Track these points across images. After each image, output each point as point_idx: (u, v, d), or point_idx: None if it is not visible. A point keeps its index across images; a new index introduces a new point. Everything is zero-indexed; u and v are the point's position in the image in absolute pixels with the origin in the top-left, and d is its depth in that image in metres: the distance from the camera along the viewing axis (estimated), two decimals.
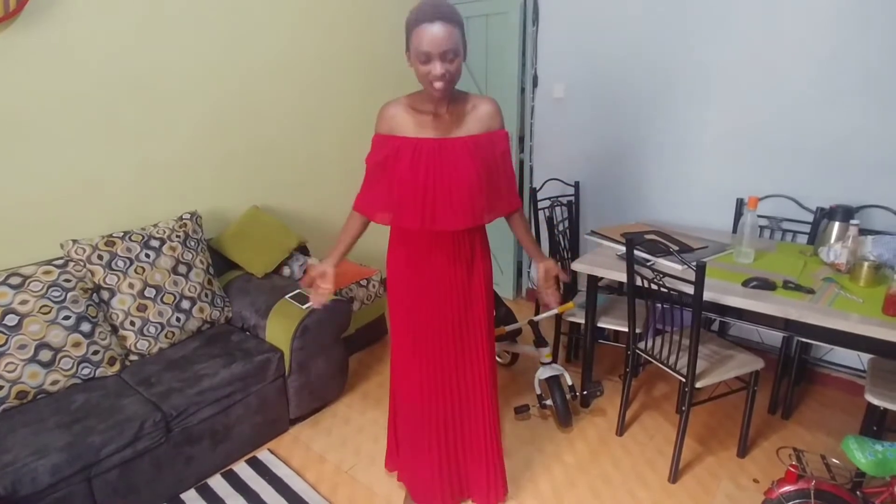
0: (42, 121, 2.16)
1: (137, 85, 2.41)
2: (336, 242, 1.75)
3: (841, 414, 2.48)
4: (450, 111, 1.57)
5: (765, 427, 2.39)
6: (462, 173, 1.54)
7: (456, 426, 1.84)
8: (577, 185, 3.06)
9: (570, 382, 2.43)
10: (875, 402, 1.81)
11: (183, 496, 2.02)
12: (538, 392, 2.45)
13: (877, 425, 1.91)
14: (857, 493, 1.53)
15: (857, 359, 2.56)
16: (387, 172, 1.59)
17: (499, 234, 3.69)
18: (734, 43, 2.57)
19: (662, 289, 1.94)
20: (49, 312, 1.98)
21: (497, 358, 2.93)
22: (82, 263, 2.16)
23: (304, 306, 2.34)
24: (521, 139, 3.49)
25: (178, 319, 2.31)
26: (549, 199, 2.87)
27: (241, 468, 2.17)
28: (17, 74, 2.08)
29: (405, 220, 1.60)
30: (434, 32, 1.38)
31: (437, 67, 1.42)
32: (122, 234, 2.29)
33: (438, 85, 1.44)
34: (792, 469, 1.55)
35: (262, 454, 2.25)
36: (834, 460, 1.59)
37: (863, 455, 1.44)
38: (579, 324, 2.59)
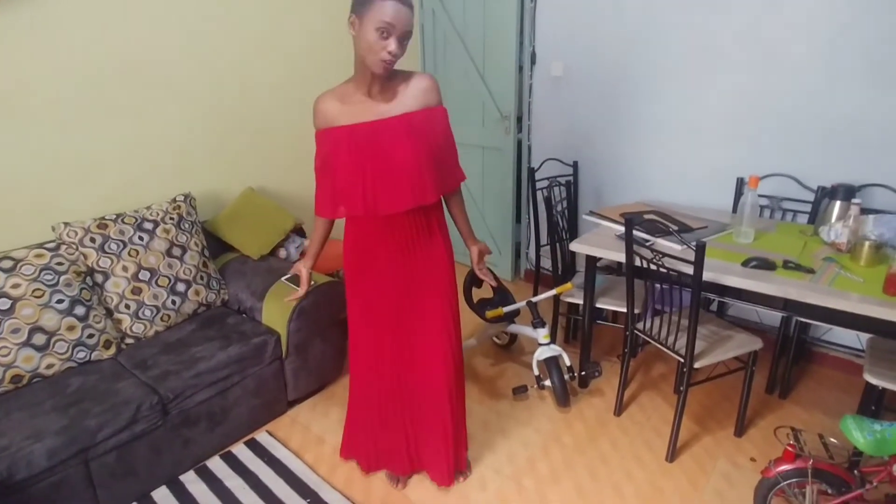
0: (31, 102, 2.12)
1: (129, 65, 2.36)
2: (308, 245, 1.83)
3: (839, 393, 2.48)
4: (383, 90, 1.53)
5: (762, 407, 2.39)
6: (399, 154, 1.51)
7: (415, 407, 1.86)
8: (575, 165, 3.03)
9: (568, 363, 2.42)
10: (874, 381, 1.81)
11: (182, 478, 2.02)
12: (536, 373, 2.44)
13: (875, 405, 1.91)
14: (855, 472, 1.53)
15: (856, 338, 2.56)
16: (332, 166, 1.57)
17: (498, 215, 3.66)
18: (735, 20, 2.52)
19: (661, 269, 1.92)
20: (42, 296, 1.96)
21: (495, 339, 2.93)
22: (75, 246, 2.13)
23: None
24: (520, 119, 3.44)
25: (173, 302, 2.29)
26: (548, 179, 2.84)
27: (240, 450, 2.17)
28: (5, 55, 2.03)
29: (350, 207, 1.58)
30: (401, 10, 1.36)
31: (392, 44, 1.39)
32: (115, 216, 2.26)
33: (387, 60, 1.41)
34: (789, 448, 1.56)
35: (261, 436, 2.25)
36: (832, 440, 1.59)
37: (861, 434, 1.44)
38: (578, 304, 2.58)
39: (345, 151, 1.53)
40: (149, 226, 2.30)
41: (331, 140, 1.55)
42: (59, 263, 2.04)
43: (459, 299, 1.87)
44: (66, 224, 2.15)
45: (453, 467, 1.94)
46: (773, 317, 2.66)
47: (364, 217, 1.61)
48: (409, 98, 1.55)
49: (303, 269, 1.82)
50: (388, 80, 1.53)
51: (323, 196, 1.65)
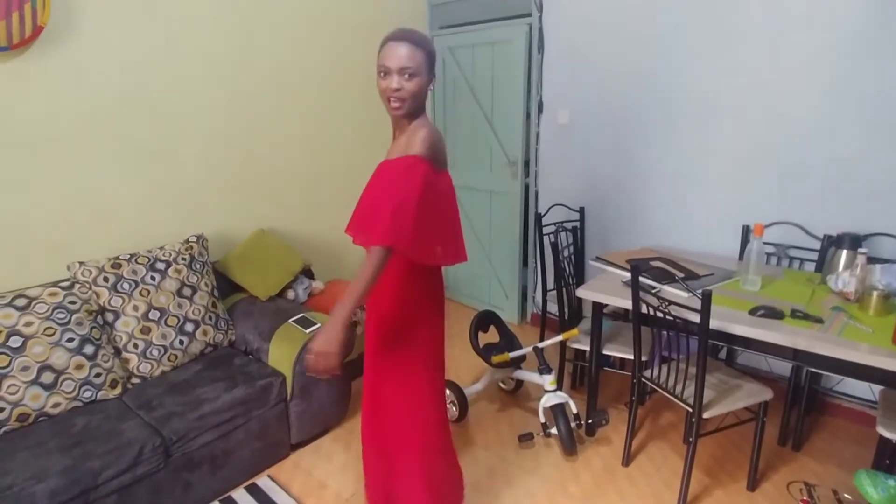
0: (51, 143, 2.20)
1: (144, 109, 2.45)
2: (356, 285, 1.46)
3: (853, 445, 2.42)
4: (399, 136, 1.55)
5: (775, 459, 2.33)
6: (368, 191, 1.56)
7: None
8: (582, 211, 3.06)
9: (574, 410, 2.39)
10: (887, 435, 1.77)
11: None
12: (542, 420, 2.41)
13: (889, 459, 1.86)
14: None
15: (869, 389, 2.51)
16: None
17: (505, 258, 3.68)
18: (739, 69, 2.59)
19: (668, 316, 1.92)
20: (53, 334, 1.98)
21: (501, 384, 2.90)
22: (88, 285, 2.17)
23: (308, 330, 2.33)
24: (527, 164, 3.51)
25: (181, 342, 2.31)
26: (554, 224, 2.87)
27: (240, 495, 2.13)
28: (28, 99, 2.12)
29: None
30: (396, 49, 1.43)
31: (393, 81, 1.44)
32: (129, 256, 2.30)
33: (393, 100, 1.46)
34: None
35: (262, 480, 2.22)
36: (846, 495, 1.56)
37: (875, 490, 1.41)
38: (584, 351, 2.56)
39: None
40: (161, 266, 2.34)
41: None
42: (72, 302, 2.07)
43: (446, 344, 1.82)
44: (80, 263, 2.19)
45: None
46: (784, 365, 2.62)
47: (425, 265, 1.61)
48: (399, 146, 1.52)
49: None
50: (402, 125, 1.53)
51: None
